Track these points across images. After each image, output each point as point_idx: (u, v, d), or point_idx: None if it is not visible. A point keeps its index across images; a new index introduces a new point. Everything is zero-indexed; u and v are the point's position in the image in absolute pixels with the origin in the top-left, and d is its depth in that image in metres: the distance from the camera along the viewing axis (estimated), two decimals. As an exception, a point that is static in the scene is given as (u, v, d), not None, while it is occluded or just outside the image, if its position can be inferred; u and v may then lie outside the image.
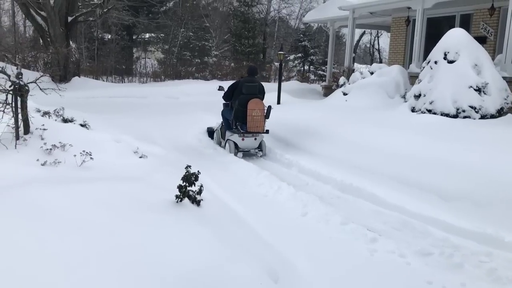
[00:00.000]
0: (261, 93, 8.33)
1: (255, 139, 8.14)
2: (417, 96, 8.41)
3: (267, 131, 8.22)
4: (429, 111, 7.87)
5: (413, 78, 9.93)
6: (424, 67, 8.59)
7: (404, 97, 9.39)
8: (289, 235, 4.58)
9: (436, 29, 12.13)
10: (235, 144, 8.12)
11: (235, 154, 8.03)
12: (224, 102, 8.75)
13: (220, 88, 9.02)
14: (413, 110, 8.38)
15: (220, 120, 8.95)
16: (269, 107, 8.26)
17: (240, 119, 8.04)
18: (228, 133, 8.36)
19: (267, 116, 8.20)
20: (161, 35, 27.06)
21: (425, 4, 10.82)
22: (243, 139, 8.04)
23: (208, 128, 9.86)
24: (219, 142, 8.99)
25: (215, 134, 9.23)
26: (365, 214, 5.23)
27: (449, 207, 5.11)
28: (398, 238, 4.57)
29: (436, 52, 8.25)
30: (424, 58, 9.26)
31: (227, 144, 8.33)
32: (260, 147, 8.30)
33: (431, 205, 5.21)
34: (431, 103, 7.87)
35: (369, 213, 5.28)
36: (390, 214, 5.17)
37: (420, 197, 5.41)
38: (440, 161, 5.84)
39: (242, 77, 8.70)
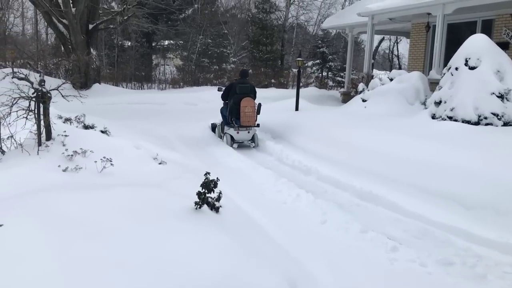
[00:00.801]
0: (252, 93, 9.58)
1: (248, 132, 9.36)
2: (438, 103, 8.31)
3: (258, 125, 9.47)
4: (450, 118, 7.76)
5: (433, 84, 9.81)
6: (444, 74, 8.49)
7: (424, 103, 9.29)
8: (308, 243, 4.55)
9: (456, 35, 11.98)
10: (231, 137, 9.36)
11: (231, 146, 9.29)
12: (223, 101, 10.07)
13: (219, 89, 10.43)
14: (433, 117, 8.28)
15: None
16: (259, 104, 9.59)
17: (234, 115, 9.34)
18: (226, 128, 9.65)
19: (258, 112, 9.47)
20: (180, 42, 27.29)
21: (446, 10, 10.70)
22: (238, 132, 9.29)
23: (212, 124, 11.14)
24: (220, 136, 10.29)
25: (216, 129, 10.64)
26: (385, 222, 5.17)
27: (471, 215, 5.02)
28: (418, 247, 4.50)
29: (457, 58, 8.14)
30: (445, 65, 9.15)
31: (224, 137, 9.66)
32: (253, 139, 9.51)
33: (453, 213, 5.12)
34: (452, 110, 7.77)
35: (389, 221, 5.22)
36: (411, 222, 5.10)
37: (441, 205, 5.32)
38: (462, 168, 5.74)
39: (236, 80, 10.39)
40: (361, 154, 7.26)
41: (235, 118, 9.33)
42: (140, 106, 15.59)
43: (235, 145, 9.29)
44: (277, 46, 27.30)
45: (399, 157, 6.68)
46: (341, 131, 8.42)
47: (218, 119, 10.87)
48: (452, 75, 8.15)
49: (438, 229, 4.85)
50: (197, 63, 24.90)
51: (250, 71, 25.07)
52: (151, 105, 15.82)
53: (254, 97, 9.59)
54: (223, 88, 10.18)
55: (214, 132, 10.73)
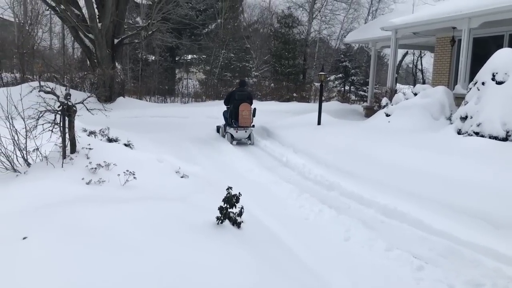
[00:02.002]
0: (248, 99, 11.53)
1: (245, 131, 11.24)
2: (464, 118, 8.15)
3: (253, 126, 11.39)
4: (477, 133, 7.59)
5: (459, 99, 9.63)
6: (470, 88, 8.33)
7: (449, 119, 9.12)
8: (332, 260, 4.46)
9: (482, 49, 11.79)
10: (232, 135, 11.22)
11: (231, 142, 11.12)
12: (225, 106, 12.13)
13: (223, 96, 12.77)
14: (459, 132, 8.11)
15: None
16: (255, 109, 11.55)
17: (234, 117, 11.22)
18: (227, 128, 11.56)
19: (253, 115, 11.39)
20: (203, 56, 27.54)
21: (472, 24, 10.55)
22: (236, 131, 11.18)
23: (217, 126, 13.11)
24: (223, 135, 12.14)
25: (220, 129, 12.55)
26: (410, 240, 5.03)
27: (501, 235, 4.84)
28: (445, 267, 4.37)
29: (484, 73, 7.98)
30: (470, 79, 8.99)
31: (226, 135, 11.54)
32: (249, 137, 11.38)
33: (481, 232, 4.95)
34: (478, 125, 7.60)
35: (415, 239, 5.08)
36: (437, 241, 4.95)
37: (469, 224, 5.16)
38: (490, 186, 5.58)
39: (235, 88, 12.62)
40: (385, 169, 7.13)
41: (235, 119, 11.22)
42: (163, 119, 15.72)
43: (234, 142, 11.21)
44: (299, 60, 27.31)
45: (424, 172, 6.54)
46: (365, 146, 8.32)
47: (222, 122, 12.65)
48: (479, 90, 7.99)
49: (466, 248, 4.69)
50: (220, 77, 25.08)
51: (272, 85, 25.18)
52: (173, 118, 15.93)
53: (251, 103, 11.50)
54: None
55: (219, 133, 12.67)
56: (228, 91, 14.56)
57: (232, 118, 11.28)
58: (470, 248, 4.68)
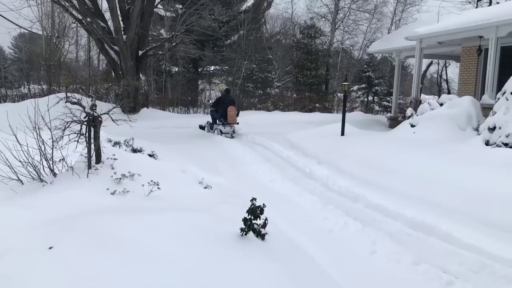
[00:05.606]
0: (234, 103, 14.74)
1: (231, 127, 14.29)
2: (492, 129, 7.96)
3: (237, 123, 14.47)
4: (506, 144, 7.40)
5: (486, 110, 9.42)
6: (499, 98, 8.14)
7: (477, 129, 8.92)
8: (358, 274, 4.37)
9: (510, 58, 11.54)
10: (221, 130, 14.18)
11: (220, 135, 13.99)
12: (212, 108, 15.24)
13: (212, 100, 16.82)
14: (487, 143, 7.92)
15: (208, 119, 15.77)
16: (238, 111, 14.91)
17: (223, 117, 14.30)
18: (215, 125, 14.64)
19: (237, 115, 14.47)
20: (225, 67, 27.72)
21: (499, 33, 10.35)
22: (224, 127, 14.24)
23: (199, 125, 15.82)
24: (208, 130, 15.10)
25: (205, 127, 15.43)
26: (439, 254, 4.89)
27: (534, 249, 4.68)
28: (476, 282, 4.23)
29: (513, 83, 7.80)
30: (498, 89, 8.79)
31: (215, 131, 14.44)
32: (234, 131, 14.31)
33: (513, 247, 4.79)
34: (507, 136, 7.42)
35: (443, 253, 4.94)
36: (467, 255, 4.80)
37: (501, 238, 4.98)
38: (522, 198, 5.41)
39: (222, 95, 15.59)
40: (412, 181, 6.99)
41: (224, 118, 14.28)
42: (185, 130, 15.83)
43: (223, 135, 13.99)
44: (321, 70, 27.24)
45: (452, 185, 6.38)
46: (390, 157, 8.18)
47: (203, 121, 15.72)
48: (507, 100, 7.81)
49: (497, 263, 4.53)
50: (242, 88, 25.18)
51: (295, 95, 25.19)
52: (196, 129, 16.03)
53: (235, 105, 14.72)
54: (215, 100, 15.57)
55: (203, 129, 15.50)
56: (216, 97, 17.75)
57: (222, 117, 14.38)
58: (502, 263, 4.52)
